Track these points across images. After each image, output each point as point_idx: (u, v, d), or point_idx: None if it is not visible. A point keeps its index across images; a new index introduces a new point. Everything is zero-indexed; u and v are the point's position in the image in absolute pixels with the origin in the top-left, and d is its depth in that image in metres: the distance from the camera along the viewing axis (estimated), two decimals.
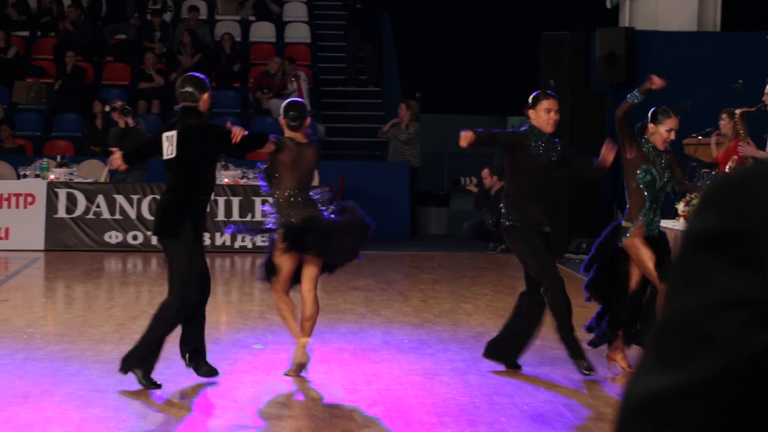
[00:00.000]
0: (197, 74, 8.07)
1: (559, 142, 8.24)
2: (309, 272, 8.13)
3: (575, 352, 8.02)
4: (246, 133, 7.76)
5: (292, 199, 8.09)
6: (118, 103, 16.03)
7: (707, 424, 1.10)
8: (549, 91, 8.31)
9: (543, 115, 8.03)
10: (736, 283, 1.11)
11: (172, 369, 8.25)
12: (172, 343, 9.18)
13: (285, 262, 8.05)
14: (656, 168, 8.08)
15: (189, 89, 7.71)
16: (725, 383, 1.10)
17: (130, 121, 15.65)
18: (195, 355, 7.92)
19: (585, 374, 7.98)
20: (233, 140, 7.65)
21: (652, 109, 8.46)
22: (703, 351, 1.11)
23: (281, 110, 8.58)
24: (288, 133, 8.45)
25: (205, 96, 7.73)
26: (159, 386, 7.59)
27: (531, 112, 8.13)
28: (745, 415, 1.10)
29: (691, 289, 1.13)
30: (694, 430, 1.11)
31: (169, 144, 7.66)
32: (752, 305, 1.10)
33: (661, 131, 8.11)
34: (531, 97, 8.23)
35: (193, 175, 7.65)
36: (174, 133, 7.64)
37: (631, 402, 1.15)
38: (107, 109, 16.33)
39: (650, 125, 8.09)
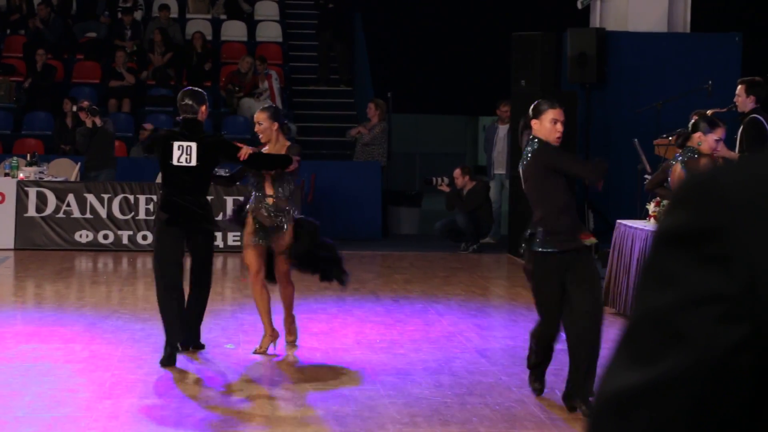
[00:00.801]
0: (195, 88, 8.95)
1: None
2: (278, 267, 8.92)
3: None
4: (251, 152, 8.61)
5: (268, 198, 8.78)
6: (85, 103, 15.94)
7: (678, 419, 1.12)
8: (553, 100, 7.49)
9: (549, 126, 7.30)
10: (706, 280, 1.12)
11: (143, 369, 8.23)
12: (145, 343, 9.15)
13: (254, 257, 8.83)
14: None
15: (189, 102, 8.62)
16: (696, 379, 1.11)
17: (98, 121, 15.57)
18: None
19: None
20: (240, 158, 8.56)
21: (693, 118, 8.30)
22: (673, 347, 1.12)
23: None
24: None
25: (203, 108, 8.64)
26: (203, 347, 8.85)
27: (535, 123, 7.37)
28: (715, 410, 1.12)
29: (662, 286, 1.14)
30: (666, 426, 1.12)
31: (182, 153, 8.55)
32: (722, 302, 1.11)
33: (710, 140, 8.09)
34: (533, 105, 7.48)
35: (206, 180, 8.74)
36: (193, 144, 8.55)
37: (603, 398, 1.16)
38: (74, 108, 16.24)
39: (698, 135, 7.93)
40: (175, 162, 8.53)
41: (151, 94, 19.56)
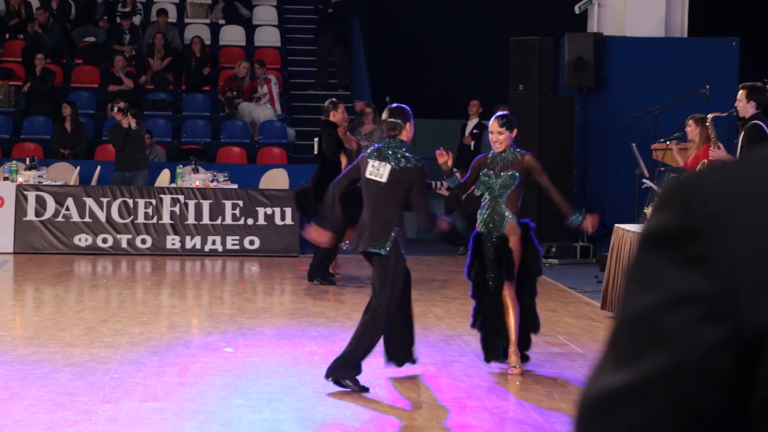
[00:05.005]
0: (334, 99, 12.93)
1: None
2: None
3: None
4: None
5: None
6: (122, 104, 15.95)
7: (661, 420, 1.13)
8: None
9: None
10: (687, 281, 1.13)
11: (142, 372, 8.26)
12: (144, 347, 9.18)
13: None
14: (494, 171, 8.45)
15: (327, 106, 12.51)
16: (678, 380, 1.12)
17: (133, 123, 15.62)
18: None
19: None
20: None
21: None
22: (654, 348, 1.13)
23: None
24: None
25: (334, 112, 12.44)
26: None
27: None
28: (697, 410, 1.13)
29: (643, 287, 1.16)
30: (649, 427, 1.13)
31: (316, 144, 12.61)
32: (703, 302, 1.13)
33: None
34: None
35: (328, 162, 12.35)
36: (317, 138, 12.56)
37: (587, 401, 1.17)
38: (114, 109, 16.19)
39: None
40: (315, 152, 12.84)
41: (150, 99, 19.59)
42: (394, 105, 8.18)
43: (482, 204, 8.62)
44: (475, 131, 17.42)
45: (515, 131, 8.39)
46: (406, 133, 7.99)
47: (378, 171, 7.87)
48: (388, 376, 8.29)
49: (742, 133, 10.46)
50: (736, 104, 10.57)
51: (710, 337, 1.12)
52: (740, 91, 10.51)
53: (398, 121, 7.94)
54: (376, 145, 8.12)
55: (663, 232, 1.17)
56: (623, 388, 1.14)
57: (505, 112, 8.65)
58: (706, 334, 1.12)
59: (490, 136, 8.47)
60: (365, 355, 7.77)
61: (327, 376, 7.78)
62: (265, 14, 21.97)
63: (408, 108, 8.12)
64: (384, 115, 8.07)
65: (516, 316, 8.31)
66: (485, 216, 8.54)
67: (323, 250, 12.59)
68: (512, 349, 8.35)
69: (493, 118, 8.49)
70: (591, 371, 1.19)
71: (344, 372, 7.77)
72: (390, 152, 7.87)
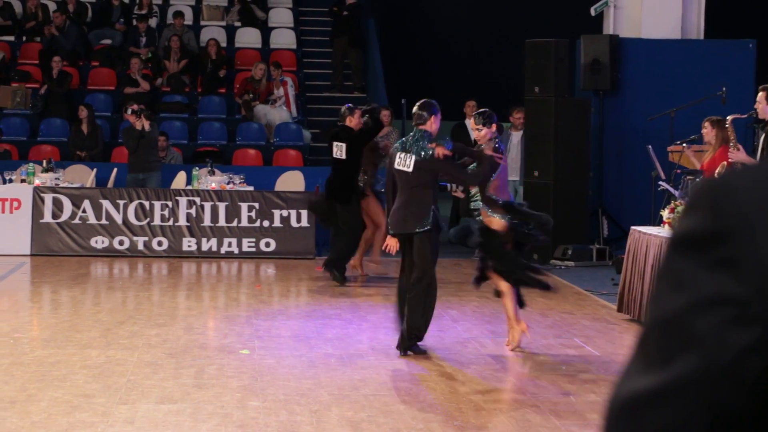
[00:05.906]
0: (349, 104, 12.93)
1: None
2: None
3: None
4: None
5: None
6: (135, 106, 15.99)
7: (690, 423, 1.13)
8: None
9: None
10: (715, 284, 1.13)
11: (159, 374, 8.28)
12: (161, 349, 9.20)
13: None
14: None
15: (344, 111, 12.60)
16: (707, 383, 1.12)
17: (147, 125, 15.66)
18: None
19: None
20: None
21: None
22: (684, 351, 1.13)
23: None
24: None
25: (350, 117, 12.49)
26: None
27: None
28: (727, 413, 1.12)
29: (674, 290, 1.16)
30: (678, 429, 1.13)
31: (338, 149, 12.56)
32: (733, 305, 1.12)
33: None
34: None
35: (354, 167, 12.54)
36: (344, 144, 12.47)
37: (616, 403, 1.17)
38: (128, 111, 16.22)
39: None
40: (334, 155, 12.74)
41: (166, 101, 19.63)
42: (424, 100, 9.23)
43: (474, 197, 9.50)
44: None
45: (494, 126, 9.15)
46: (431, 125, 8.99)
47: (405, 162, 8.89)
48: (402, 377, 8.30)
49: (763, 135, 10.41)
50: (755, 106, 10.52)
51: (741, 340, 1.12)
52: (759, 93, 10.46)
53: (423, 113, 9.02)
54: (402, 139, 9.20)
55: (693, 235, 1.17)
56: (653, 391, 1.14)
57: (483, 110, 9.40)
58: (736, 337, 1.12)
59: (471, 133, 9.43)
60: (427, 324, 9.03)
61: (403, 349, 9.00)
62: (281, 16, 22.00)
63: (435, 102, 9.13)
64: (414, 108, 9.13)
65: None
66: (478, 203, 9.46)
67: (345, 246, 12.96)
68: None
69: (471, 117, 9.34)
70: (620, 373, 1.18)
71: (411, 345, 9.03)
72: (415, 146, 8.89)
